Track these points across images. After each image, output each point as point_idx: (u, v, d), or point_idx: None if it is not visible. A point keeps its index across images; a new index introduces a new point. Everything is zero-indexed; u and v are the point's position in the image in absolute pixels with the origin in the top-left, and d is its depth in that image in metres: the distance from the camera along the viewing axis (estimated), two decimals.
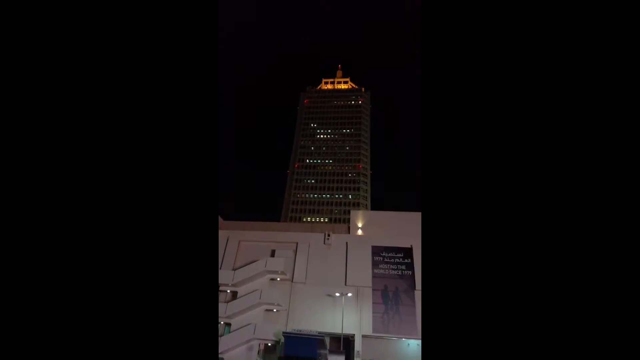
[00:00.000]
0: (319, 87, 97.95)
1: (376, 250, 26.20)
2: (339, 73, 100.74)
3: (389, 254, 25.98)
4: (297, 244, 27.12)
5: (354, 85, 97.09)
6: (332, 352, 22.04)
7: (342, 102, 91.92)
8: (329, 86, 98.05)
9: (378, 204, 79.95)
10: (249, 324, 23.42)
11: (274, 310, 24.61)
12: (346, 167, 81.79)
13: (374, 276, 25.22)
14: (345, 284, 24.86)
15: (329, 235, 27.18)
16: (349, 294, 23.96)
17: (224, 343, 22.45)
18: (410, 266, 25.24)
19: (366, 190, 79.46)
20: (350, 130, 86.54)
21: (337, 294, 23.93)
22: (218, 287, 22.92)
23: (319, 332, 22.19)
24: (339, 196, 78.29)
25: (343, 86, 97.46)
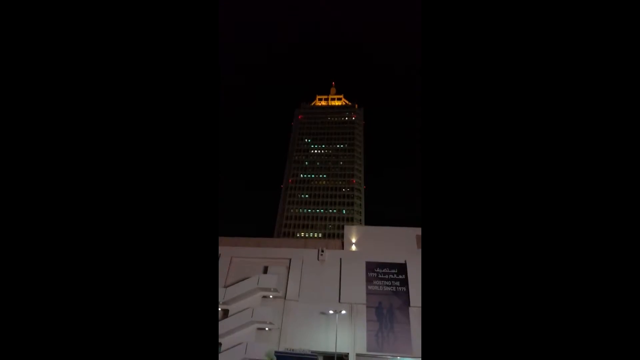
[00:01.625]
0: (313, 104, 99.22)
1: (370, 266, 25.96)
2: (333, 90, 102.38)
3: (383, 270, 25.75)
4: (290, 260, 26.77)
5: (347, 102, 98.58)
6: None
7: (335, 118, 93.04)
8: (323, 102, 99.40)
9: (372, 220, 79.86)
10: (240, 344, 22.76)
11: (266, 328, 24.01)
12: (340, 182, 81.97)
13: (368, 293, 24.90)
14: (339, 301, 24.46)
15: (322, 251, 26.91)
16: (343, 312, 23.54)
17: None
18: (405, 282, 25.01)
19: (360, 205, 79.43)
20: (344, 146, 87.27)
21: (331, 312, 23.50)
22: (218, 304, 22.50)
23: (312, 351, 21.65)
24: (332, 211, 78.07)
25: (337, 103, 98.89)
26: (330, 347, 22.50)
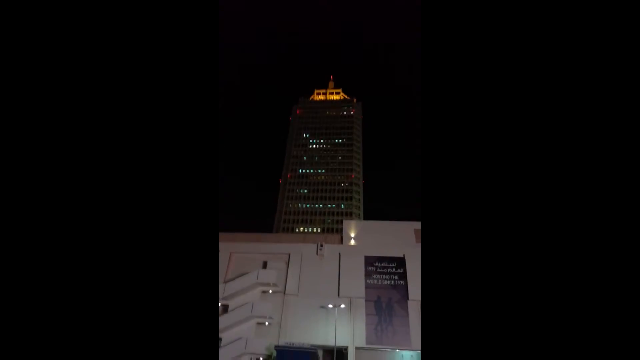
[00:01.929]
0: (311, 98, 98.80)
1: (369, 261, 26.08)
2: (331, 84, 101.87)
3: (382, 264, 25.88)
4: (289, 255, 26.85)
5: (345, 96, 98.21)
6: None
7: (334, 113, 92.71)
8: (321, 97, 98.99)
9: (371, 214, 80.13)
10: (240, 338, 22.91)
11: (266, 323, 24.16)
12: (339, 177, 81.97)
13: (367, 287, 25.04)
14: (338, 295, 24.60)
15: (321, 246, 26.99)
16: (342, 306, 23.70)
17: None
18: (403, 276, 25.15)
19: (359, 199, 79.58)
20: (342, 140, 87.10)
21: (330, 306, 23.65)
22: (218, 300, 22.51)
23: (312, 345, 21.83)
24: (331, 206, 78.19)
25: (335, 97, 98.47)
26: (329, 341, 22.69)
